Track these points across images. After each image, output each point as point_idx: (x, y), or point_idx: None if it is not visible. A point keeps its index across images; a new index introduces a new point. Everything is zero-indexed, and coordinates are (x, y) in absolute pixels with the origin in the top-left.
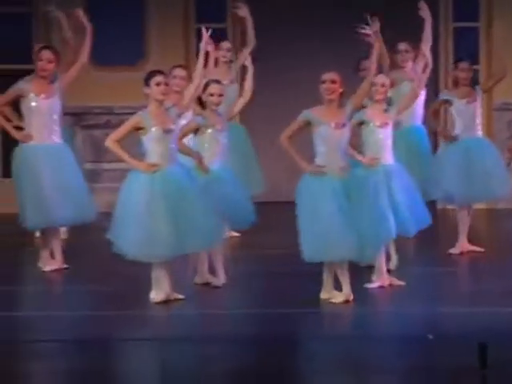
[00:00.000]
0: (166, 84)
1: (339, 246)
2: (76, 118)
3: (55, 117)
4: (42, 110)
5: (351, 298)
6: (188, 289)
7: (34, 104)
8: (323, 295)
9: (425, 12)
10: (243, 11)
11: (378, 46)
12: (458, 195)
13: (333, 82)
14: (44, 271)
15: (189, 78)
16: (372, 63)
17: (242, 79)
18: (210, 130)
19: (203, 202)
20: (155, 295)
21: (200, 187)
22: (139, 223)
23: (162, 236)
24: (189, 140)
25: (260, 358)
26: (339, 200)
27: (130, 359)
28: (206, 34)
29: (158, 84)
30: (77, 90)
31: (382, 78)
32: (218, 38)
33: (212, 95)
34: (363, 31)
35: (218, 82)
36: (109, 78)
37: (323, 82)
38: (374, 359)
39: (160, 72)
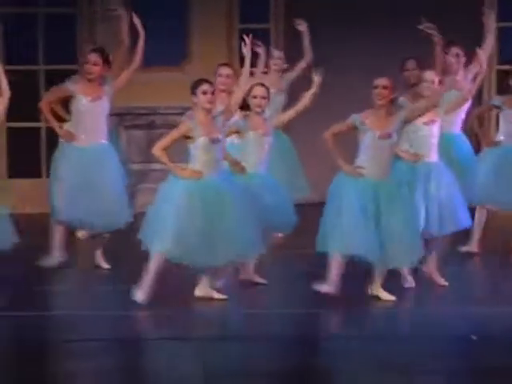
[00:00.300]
0: (213, 93)
1: (357, 243)
2: (120, 119)
3: (102, 119)
4: (88, 112)
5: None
6: (230, 289)
7: (81, 106)
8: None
9: (490, 19)
10: (303, 26)
11: (440, 43)
12: (483, 194)
13: (384, 87)
14: (98, 267)
15: (234, 77)
16: (437, 65)
17: (292, 90)
18: (252, 134)
19: (243, 213)
20: (139, 293)
21: (241, 195)
22: (173, 225)
23: (192, 241)
24: (229, 143)
25: (301, 358)
26: (366, 201)
27: (172, 359)
28: (247, 40)
29: (204, 93)
30: (121, 91)
31: (431, 75)
32: (261, 38)
33: (255, 97)
34: (426, 29)
35: (262, 84)
36: (152, 78)
37: (375, 87)
38: (416, 359)
39: (206, 81)
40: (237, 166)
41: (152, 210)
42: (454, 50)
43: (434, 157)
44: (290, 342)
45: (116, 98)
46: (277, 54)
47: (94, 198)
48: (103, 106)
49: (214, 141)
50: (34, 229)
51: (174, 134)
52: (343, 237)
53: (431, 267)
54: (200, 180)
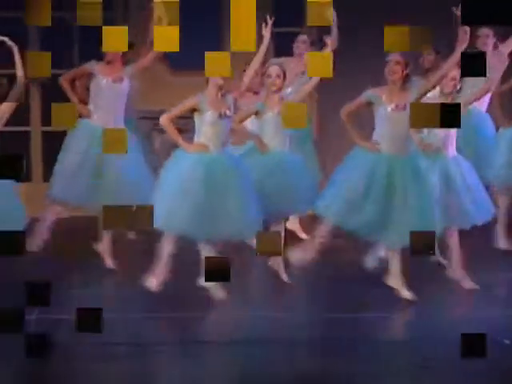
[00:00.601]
0: None
1: (349, 218)
2: (154, 123)
3: (121, 101)
4: (106, 93)
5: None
6: (256, 291)
7: (101, 85)
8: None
9: None
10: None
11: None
12: (501, 176)
13: (397, 63)
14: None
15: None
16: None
17: None
18: (270, 114)
19: (246, 191)
20: (152, 279)
21: (246, 172)
22: (170, 200)
23: (190, 213)
24: (251, 123)
25: (326, 361)
26: (378, 176)
27: (200, 361)
28: (270, 22)
29: None
30: (154, 95)
31: (453, 72)
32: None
33: (269, 76)
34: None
35: (278, 64)
36: (185, 82)
37: (388, 62)
38: (445, 362)
39: None
40: (260, 145)
41: (157, 188)
42: (484, 30)
43: (451, 151)
44: (316, 345)
45: (150, 102)
46: (301, 38)
47: (98, 177)
48: (122, 88)
49: (222, 115)
50: (69, 232)
51: (183, 106)
52: (340, 210)
53: (457, 272)
54: (206, 154)
